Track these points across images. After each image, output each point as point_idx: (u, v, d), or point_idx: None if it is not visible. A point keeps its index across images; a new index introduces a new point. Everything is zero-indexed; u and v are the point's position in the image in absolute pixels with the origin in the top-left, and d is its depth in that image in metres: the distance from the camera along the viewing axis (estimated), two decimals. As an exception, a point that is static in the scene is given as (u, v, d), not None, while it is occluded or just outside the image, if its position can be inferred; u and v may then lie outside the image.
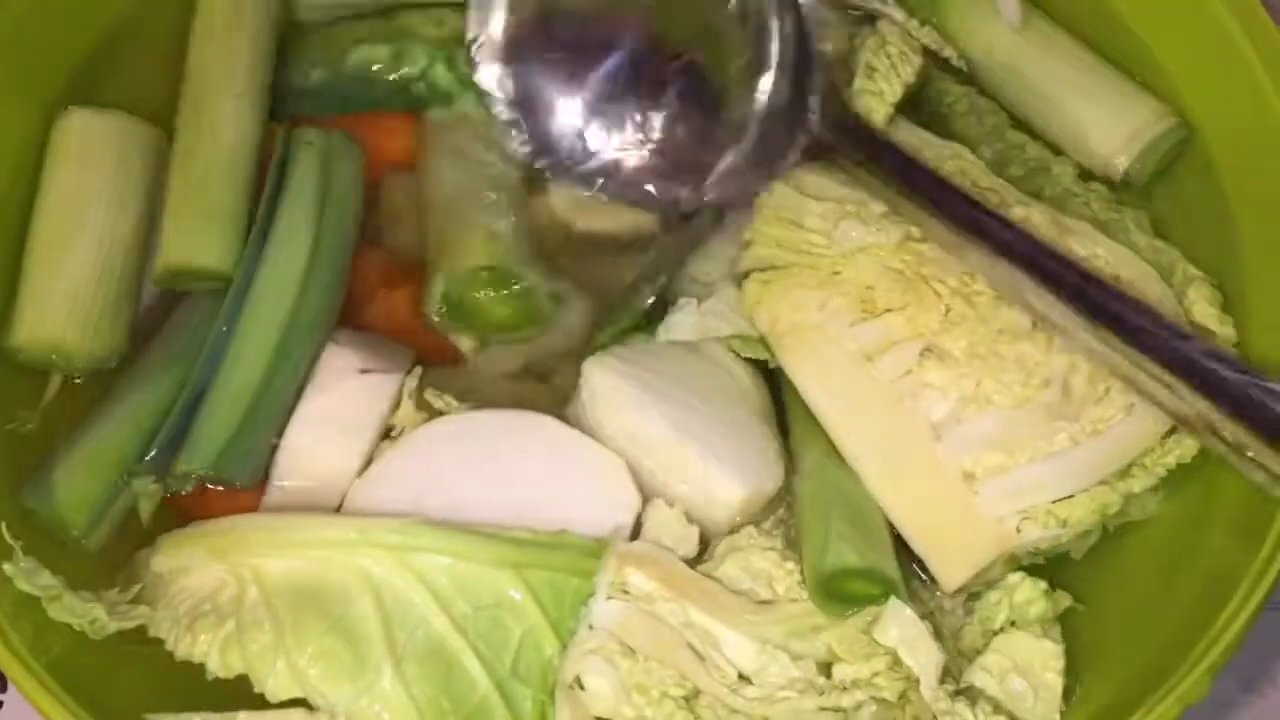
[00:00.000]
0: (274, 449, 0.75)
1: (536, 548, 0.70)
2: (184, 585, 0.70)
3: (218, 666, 0.67)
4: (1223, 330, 0.75)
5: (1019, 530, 0.72)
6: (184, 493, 0.74)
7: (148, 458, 0.74)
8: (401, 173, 0.86)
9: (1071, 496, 0.72)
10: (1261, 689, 0.85)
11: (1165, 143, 0.81)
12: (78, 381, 0.78)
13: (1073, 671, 0.70)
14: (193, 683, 0.68)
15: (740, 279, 0.78)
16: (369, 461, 0.75)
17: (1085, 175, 0.82)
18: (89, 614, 0.67)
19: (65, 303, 0.76)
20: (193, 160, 0.79)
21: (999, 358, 0.73)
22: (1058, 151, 0.83)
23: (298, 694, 0.67)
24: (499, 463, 0.74)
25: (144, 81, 0.83)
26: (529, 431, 0.75)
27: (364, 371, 0.77)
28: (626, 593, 0.70)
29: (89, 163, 0.78)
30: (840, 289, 0.76)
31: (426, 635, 0.68)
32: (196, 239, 0.78)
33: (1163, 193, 0.82)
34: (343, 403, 0.76)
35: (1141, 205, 0.81)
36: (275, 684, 0.67)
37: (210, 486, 0.74)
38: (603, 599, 0.69)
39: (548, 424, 0.76)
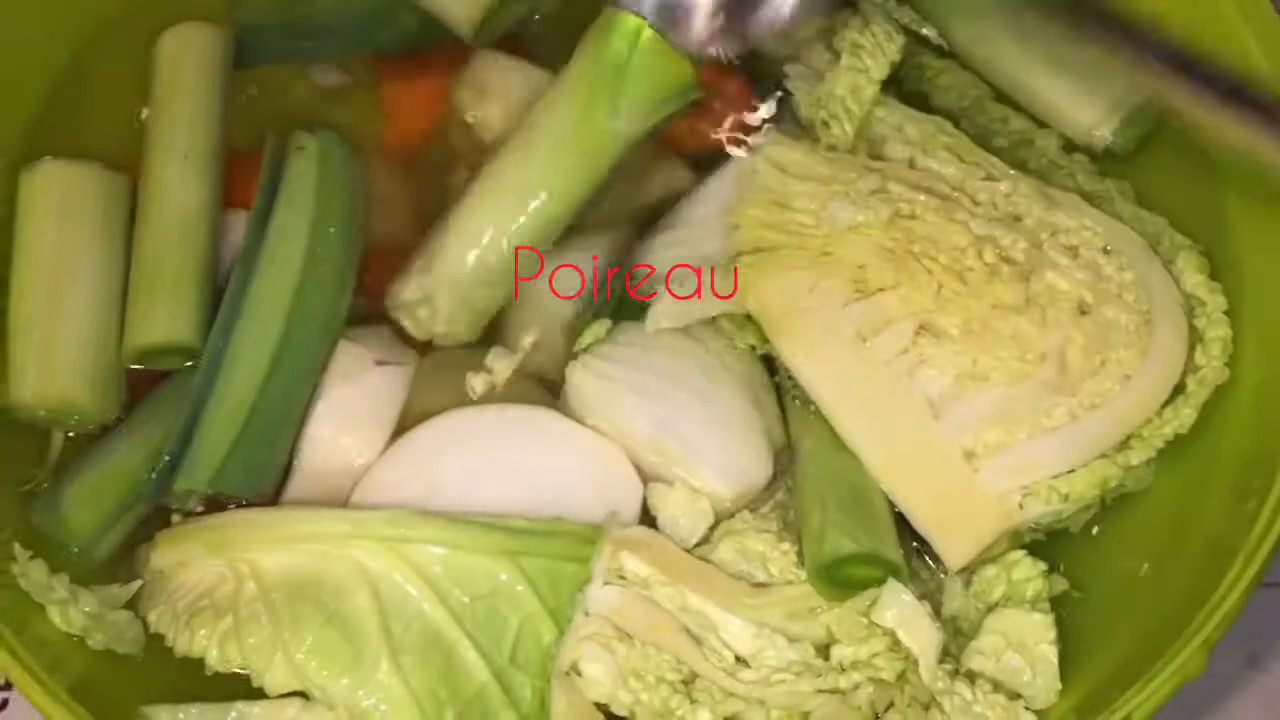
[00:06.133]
0: (286, 456, 0.75)
1: (532, 536, 0.70)
2: (183, 580, 0.71)
3: (217, 661, 0.68)
4: (1212, 298, 0.74)
5: (1021, 507, 0.71)
6: (193, 509, 0.74)
7: (150, 479, 0.74)
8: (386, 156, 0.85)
9: (1072, 471, 0.71)
10: (1268, 665, 0.84)
11: (1147, 111, 0.80)
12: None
13: (1070, 646, 0.69)
14: (192, 677, 0.68)
15: (729, 263, 0.78)
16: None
17: (1069, 147, 0.82)
18: (89, 631, 0.68)
19: (69, 359, 0.75)
20: (146, 230, 0.78)
21: (994, 334, 0.72)
22: (1041, 124, 0.83)
23: (296, 687, 0.67)
24: (499, 458, 0.74)
25: (103, 133, 0.82)
26: (526, 424, 0.75)
27: (380, 364, 0.77)
28: (623, 578, 0.70)
29: (72, 215, 0.77)
30: (831, 270, 0.75)
31: (423, 626, 0.68)
32: (155, 316, 0.76)
33: (1147, 162, 0.81)
34: (362, 395, 0.77)
35: (1126, 175, 0.80)
36: (273, 677, 0.67)
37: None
38: (599, 585, 0.69)
39: (544, 416, 0.76)
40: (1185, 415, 0.72)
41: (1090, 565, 0.74)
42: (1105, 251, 0.75)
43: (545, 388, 0.79)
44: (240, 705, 0.67)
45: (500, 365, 0.77)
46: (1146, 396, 0.72)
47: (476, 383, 0.77)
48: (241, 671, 0.68)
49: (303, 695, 0.67)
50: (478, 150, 0.84)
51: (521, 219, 0.78)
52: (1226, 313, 0.74)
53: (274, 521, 0.70)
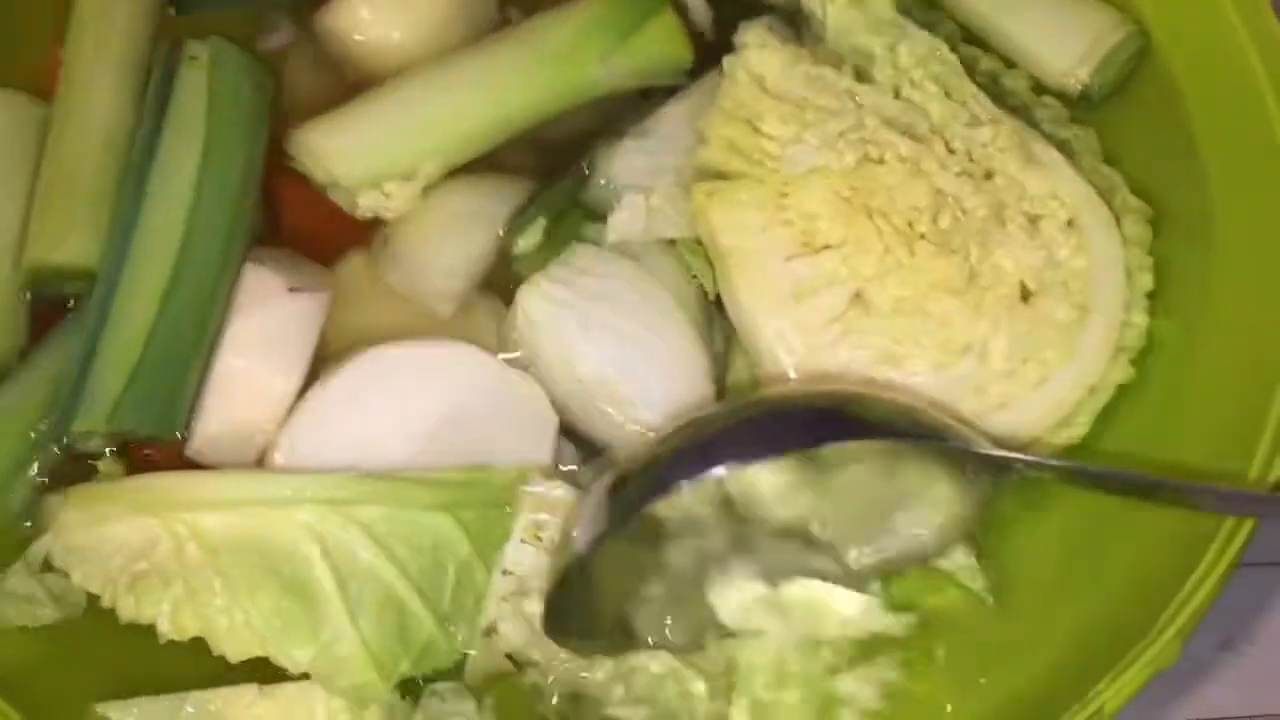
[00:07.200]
0: (192, 390, 0.72)
1: (467, 487, 0.71)
2: (108, 536, 0.69)
3: (171, 629, 0.67)
4: (1140, 276, 0.73)
5: None
6: (97, 452, 0.72)
7: (46, 423, 0.71)
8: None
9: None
10: (1240, 647, 0.83)
11: (1124, 52, 0.78)
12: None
13: (1034, 633, 0.69)
14: (132, 672, 0.68)
15: (690, 181, 0.76)
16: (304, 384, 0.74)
17: (1038, 89, 0.79)
18: (38, 606, 0.67)
19: None
20: (62, 143, 0.71)
21: (924, 316, 0.73)
22: (1010, 64, 0.80)
23: (257, 653, 0.67)
24: (423, 399, 0.73)
25: (20, 58, 0.77)
26: (448, 361, 0.74)
27: (293, 290, 0.74)
28: (539, 538, 0.71)
29: None
30: (784, 215, 0.74)
31: (376, 585, 0.69)
32: (61, 233, 0.71)
33: (1119, 110, 0.79)
34: (275, 323, 0.74)
35: (1096, 123, 0.78)
36: (234, 645, 0.67)
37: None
38: (516, 543, 0.70)
39: (466, 352, 0.75)
40: (1079, 425, 0.73)
41: (1060, 553, 0.73)
42: (1068, 225, 0.73)
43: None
44: (195, 695, 0.68)
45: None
46: (1054, 402, 0.72)
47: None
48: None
49: (260, 682, 0.68)
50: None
51: (456, 117, 0.76)
52: (1150, 295, 0.73)
53: (213, 485, 0.69)
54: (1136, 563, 0.69)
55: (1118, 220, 0.74)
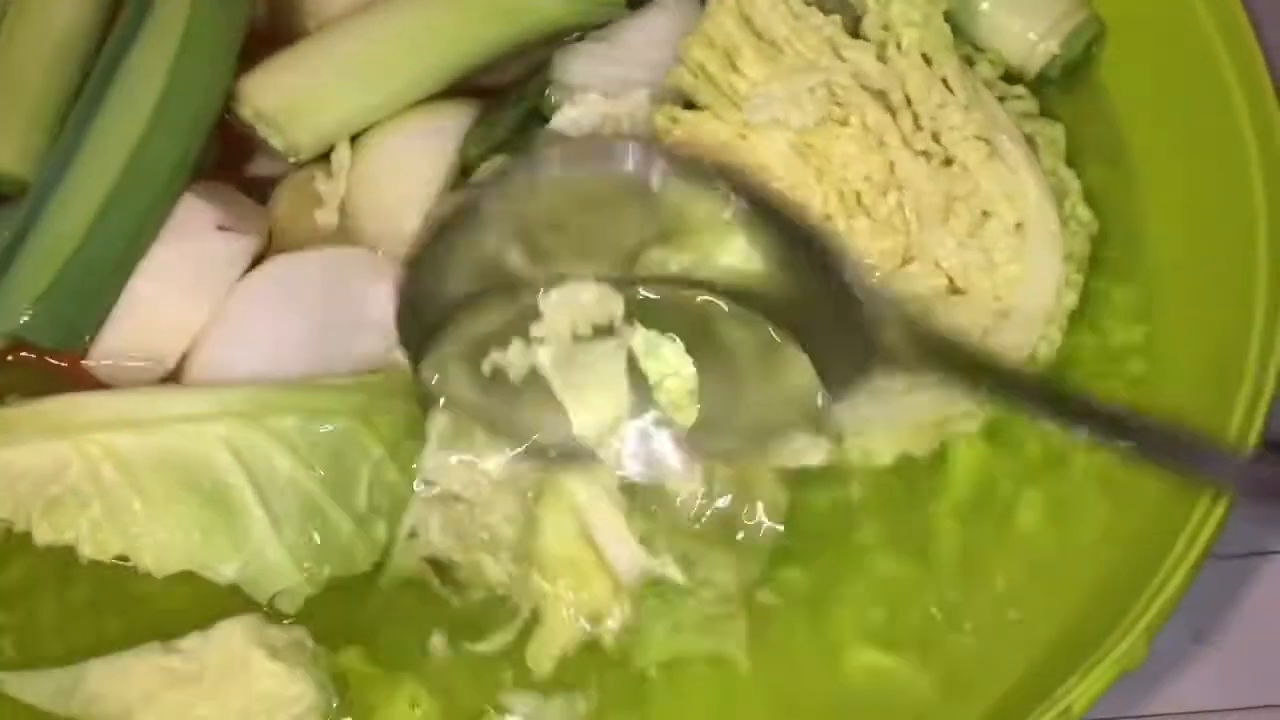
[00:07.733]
0: (106, 312, 0.72)
1: (371, 389, 0.73)
2: (9, 461, 0.68)
3: (93, 550, 0.68)
4: (1067, 293, 0.73)
5: None
6: None
7: None
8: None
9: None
10: (1213, 638, 0.82)
11: (1084, 35, 0.81)
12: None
13: (1002, 638, 0.68)
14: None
15: (657, 99, 0.76)
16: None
17: (1009, 79, 0.80)
18: None
19: None
20: (14, 46, 0.70)
21: None
22: (980, 49, 0.81)
23: (184, 567, 0.68)
24: (323, 305, 0.75)
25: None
26: (340, 268, 0.76)
27: (222, 229, 0.73)
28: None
29: None
30: (736, 160, 0.73)
31: (295, 492, 0.70)
32: (7, 137, 0.69)
33: (1065, 105, 0.81)
34: (196, 258, 0.73)
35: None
36: (158, 561, 0.68)
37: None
38: (433, 449, 0.72)
39: (355, 256, 0.76)
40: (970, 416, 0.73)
41: (1023, 544, 0.72)
42: (1015, 228, 0.72)
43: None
44: (95, 663, 0.68)
45: (329, 189, 0.77)
46: (950, 398, 0.72)
47: (327, 215, 0.77)
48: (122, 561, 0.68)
49: (162, 639, 0.68)
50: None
51: (397, 54, 0.77)
52: (1071, 315, 0.74)
53: (123, 403, 0.69)
54: (1103, 558, 0.69)
55: (1066, 223, 0.74)
